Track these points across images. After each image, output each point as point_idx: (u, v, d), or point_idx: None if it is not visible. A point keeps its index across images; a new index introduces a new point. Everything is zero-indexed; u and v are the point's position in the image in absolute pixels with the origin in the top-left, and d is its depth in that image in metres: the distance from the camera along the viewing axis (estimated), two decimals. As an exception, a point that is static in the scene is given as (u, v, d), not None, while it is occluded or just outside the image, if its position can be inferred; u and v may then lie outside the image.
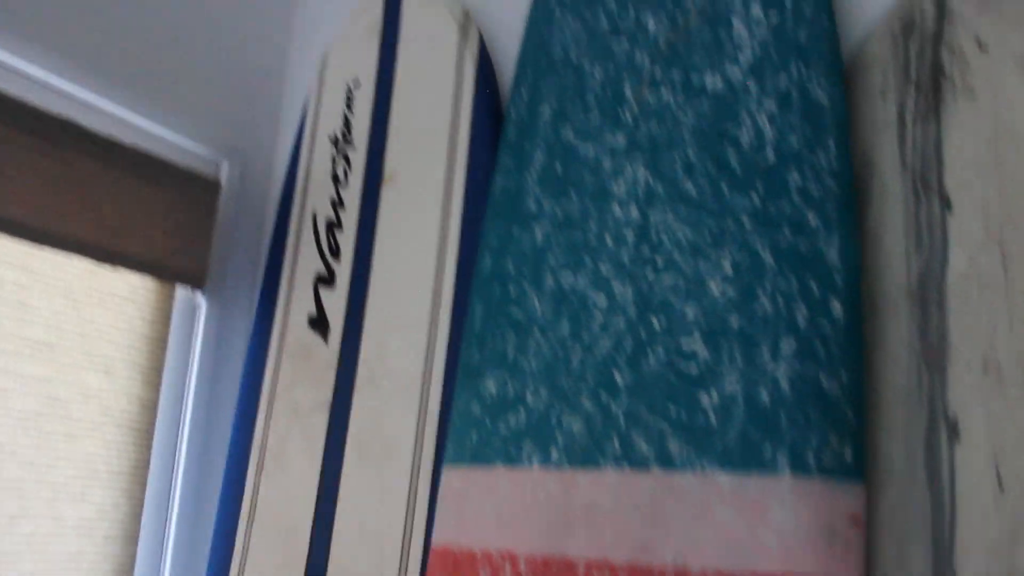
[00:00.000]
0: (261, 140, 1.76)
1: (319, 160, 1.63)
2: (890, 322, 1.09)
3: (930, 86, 1.14)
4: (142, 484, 1.47)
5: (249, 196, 1.71)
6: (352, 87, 1.63)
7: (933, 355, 1.06)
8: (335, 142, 1.62)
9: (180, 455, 1.54)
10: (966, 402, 1.03)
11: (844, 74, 1.17)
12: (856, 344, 1.04)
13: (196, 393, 1.57)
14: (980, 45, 1.13)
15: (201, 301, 1.60)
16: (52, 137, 1.30)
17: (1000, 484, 0.99)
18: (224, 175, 1.66)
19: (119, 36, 1.46)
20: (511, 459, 1.17)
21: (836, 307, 1.04)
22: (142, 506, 1.47)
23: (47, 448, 1.34)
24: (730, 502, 1.01)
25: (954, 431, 1.03)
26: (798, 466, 0.99)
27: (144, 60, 1.50)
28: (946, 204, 1.10)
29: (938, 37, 1.15)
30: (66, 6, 1.37)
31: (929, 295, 1.08)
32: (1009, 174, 1.08)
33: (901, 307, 1.09)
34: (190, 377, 1.57)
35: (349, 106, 1.62)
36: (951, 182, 1.11)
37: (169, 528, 1.51)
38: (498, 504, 1.15)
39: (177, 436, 1.54)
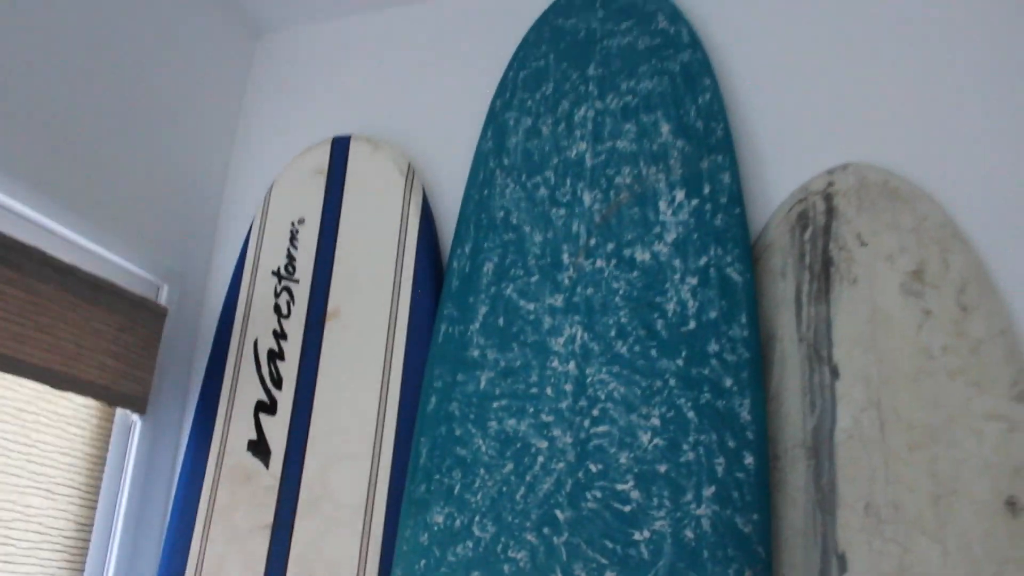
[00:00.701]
0: (197, 265, 1.85)
1: (261, 291, 1.73)
2: (790, 471, 1.29)
3: (821, 271, 1.38)
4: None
5: (185, 319, 1.79)
6: (297, 224, 1.76)
7: (825, 500, 1.26)
8: (278, 275, 1.73)
9: (108, 574, 1.56)
10: (851, 540, 1.23)
11: (751, 255, 1.39)
12: (764, 490, 1.23)
13: (127, 513, 1.60)
14: (860, 240, 1.38)
15: (136, 421, 1.65)
16: (16, 263, 1.35)
17: (882, 613, 1.18)
18: (163, 299, 1.73)
19: (64, 159, 1.52)
20: (461, 587, 1.29)
21: (748, 458, 1.23)
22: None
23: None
24: (663, 630, 1.16)
25: (842, 563, 1.23)
26: (720, 598, 1.16)
27: (90, 185, 1.57)
28: (834, 372, 1.33)
29: (827, 230, 1.40)
30: (17, 133, 1.44)
31: (821, 449, 1.29)
32: (883, 349, 1.31)
33: (799, 459, 1.29)
34: (122, 496, 1.61)
35: (293, 242, 1.74)
36: (838, 354, 1.33)
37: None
38: (449, 630, 1.26)
39: (106, 556, 1.57)
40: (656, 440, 1.27)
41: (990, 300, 1.32)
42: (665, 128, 1.50)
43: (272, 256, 1.75)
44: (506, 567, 1.27)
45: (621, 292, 1.39)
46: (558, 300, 1.43)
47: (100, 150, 1.58)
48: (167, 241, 1.77)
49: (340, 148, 1.79)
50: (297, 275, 1.71)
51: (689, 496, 1.23)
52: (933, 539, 1.21)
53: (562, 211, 1.50)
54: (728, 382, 1.28)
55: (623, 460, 1.28)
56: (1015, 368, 1.27)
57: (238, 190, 1.95)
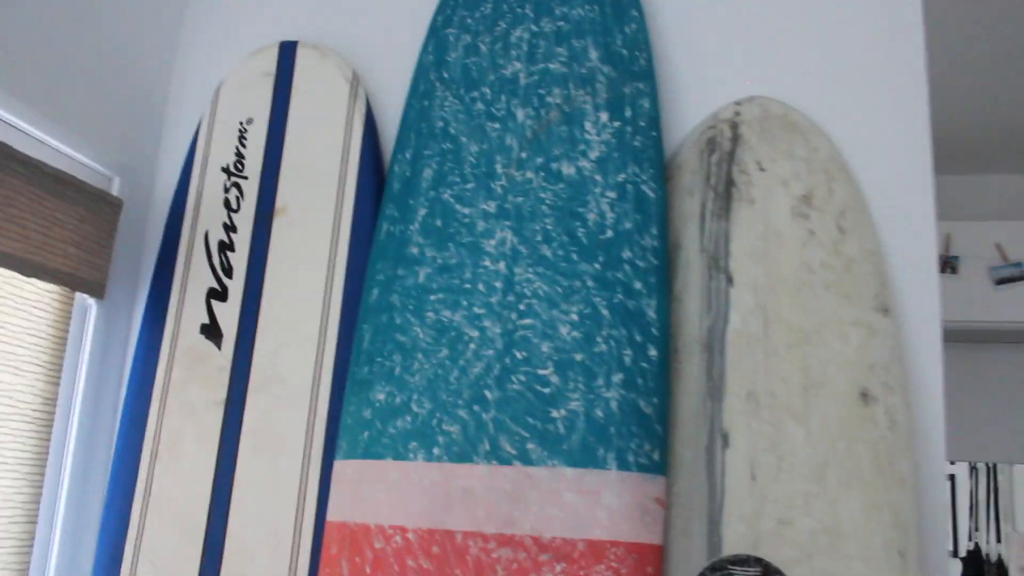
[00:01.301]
0: (147, 159, 1.94)
1: (211, 186, 1.84)
2: (687, 363, 1.51)
3: (724, 191, 1.57)
4: (42, 472, 1.63)
5: (137, 211, 1.89)
6: (245, 124, 1.86)
7: (714, 388, 1.49)
8: (227, 172, 1.84)
9: (70, 445, 1.70)
10: (734, 421, 1.46)
11: (664, 174, 1.58)
12: (664, 379, 1.44)
13: (85, 389, 1.73)
14: (760, 166, 1.57)
15: (92, 304, 1.77)
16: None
17: (753, 476, 1.42)
18: (115, 191, 1.83)
19: (13, 49, 1.57)
20: (399, 455, 1.47)
21: (652, 351, 1.44)
22: (41, 491, 1.63)
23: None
24: (573, 489, 1.38)
25: (726, 440, 1.46)
26: (622, 464, 1.38)
27: (41, 76, 1.63)
28: (729, 280, 1.53)
29: (732, 155, 1.59)
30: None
31: (714, 345, 1.51)
32: (771, 262, 1.52)
33: (695, 352, 1.51)
34: (80, 373, 1.73)
35: (242, 141, 1.85)
36: (733, 264, 1.54)
37: (58, 510, 1.67)
38: (389, 489, 1.45)
39: (67, 428, 1.71)
40: (574, 333, 1.47)
41: (864, 225, 1.54)
42: (594, 54, 1.65)
43: (221, 153, 1.86)
44: (440, 438, 1.46)
45: (547, 202, 1.56)
46: (491, 206, 1.59)
47: (48, 41, 1.64)
48: (117, 134, 1.85)
49: (287, 52, 1.89)
50: (246, 172, 1.82)
51: (600, 381, 1.43)
52: (799, 422, 1.44)
53: (497, 125, 1.65)
54: (638, 285, 1.47)
55: (544, 349, 1.47)
56: (878, 284, 1.50)
57: (185, 87, 2.03)
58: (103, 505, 1.70)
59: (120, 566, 1.63)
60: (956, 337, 3.18)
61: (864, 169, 1.59)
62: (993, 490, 3.62)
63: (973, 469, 3.63)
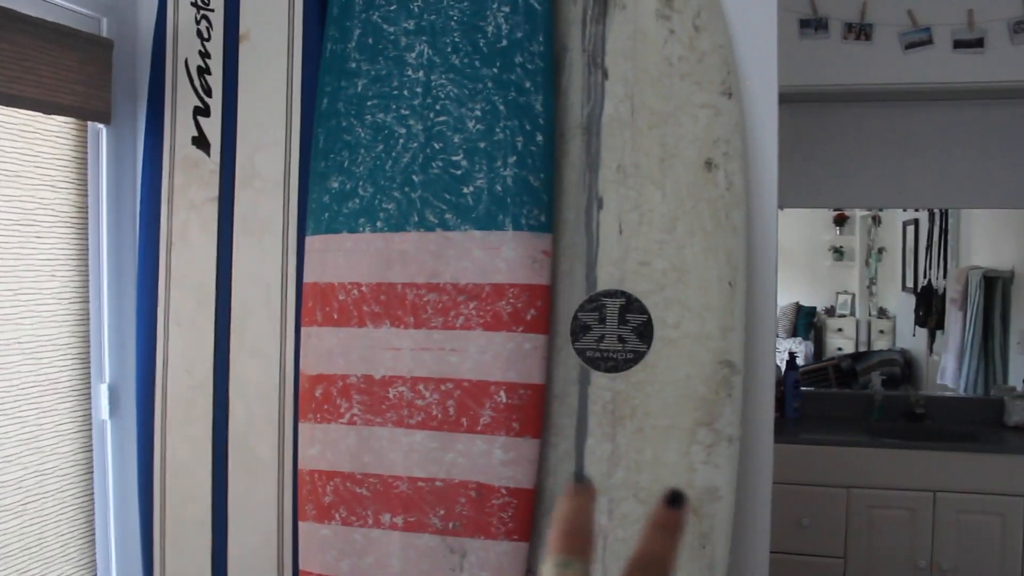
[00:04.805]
0: (126, 1, 2.28)
1: (184, 19, 2.19)
2: (571, 144, 1.91)
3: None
4: (85, 266, 2.11)
5: (125, 46, 2.25)
6: (207, -38, 2.18)
7: (592, 162, 1.89)
8: (196, 5, 2.18)
9: (103, 244, 2.16)
10: (607, 188, 1.88)
11: (549, -11, 1.91)
12: (550, 157, 1.85)
13: (107, 197, 2.17)
14: (625, -23, 1.90)
15: (102, 129, 2.17)
16: (2, 24, 1.81)
17: (620, 231, 1.86)
18: (104, 31, 2.18)
19: None
20: (352, 229, 1.92)
21: (539, 137, 1.84)
22: (88, 280, 2.11)
23: (13, 243, 1.93)
24: (480, 246, 1.83)
25: (600, 204, 1.88)
26: (517, 225, 1.81)
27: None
28: (604, 74, 1.90)
29: (603, -30, 1.91)
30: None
31: (592, 128, 1.90)
32: (639, 58, 1.89)
33: (577, 136, 1.90)
34: (101, 186, 2.17)
35: (206, -23, 2.18)
36: (608, 61, 1.90)
37: (102, 287, 2.16)
38: (346, 255, 1.91)
39: (99, 233, 2.16)
40: (478, 126, 1.87)
41: (716, 23, 1.88)
42: None
43: (190, -11, 2.19)
44: (381, 214, 1.90)
45: (455, 18, 1.91)
46: (411, 24, 1.94)
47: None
48: (101, -23, 2.18)
49: None
50: (212, 5, 2.17)
51: (499, 163, 1.84)
52: (657, 186, 1.85)
53: (413, -46, 1.97)
54: (527, 84, 1.85)
55: (456, 140, 1.88)
56: (724, 72, 1.86)
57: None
58: (136, 286, 2.18)
59: (156, 328, 2.13)
60: (871, 98, 3.53)
61: (718, -28, 1.91)
62: (944, 232, 4.10)
63: (932, 215, 4.09)
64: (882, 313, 4.33)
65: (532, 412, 1.81)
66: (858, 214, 4.23)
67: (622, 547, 1.83)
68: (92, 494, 2.17)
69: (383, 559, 1.88)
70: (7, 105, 1.84)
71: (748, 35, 1.91)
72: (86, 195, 2.13)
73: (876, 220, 4.21)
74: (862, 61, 3.31)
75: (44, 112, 1.93)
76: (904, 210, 4.11)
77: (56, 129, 2.03)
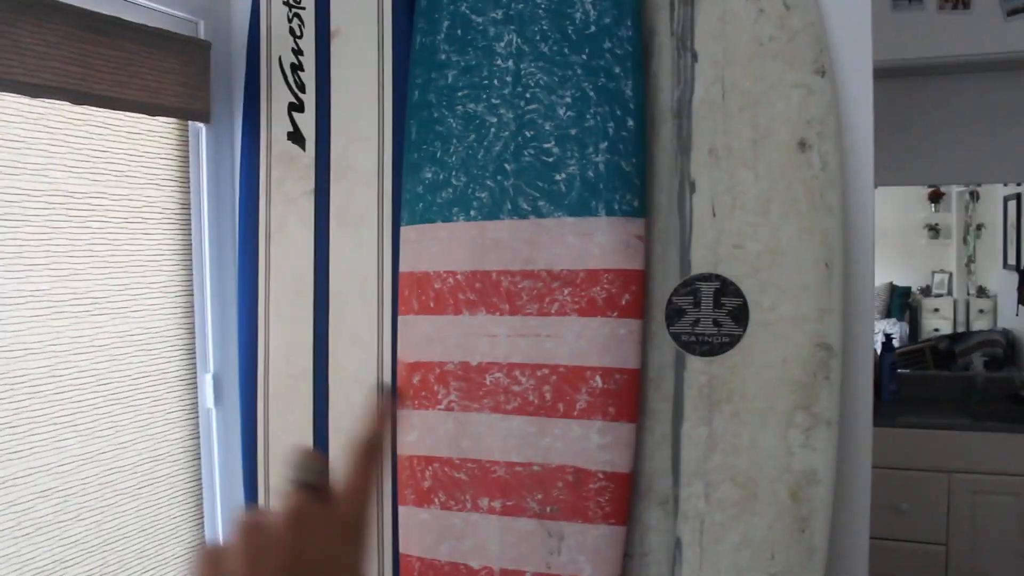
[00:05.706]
0: (222, 2, 2.35)
1: (277, 17, 2.24)
2: (662, 129, 1.90)
3: (686, -17, 1.90)
4: (188, 260, 2.19)
5: (221, 47, 2.32)
6: (298, -39, 2.23)
7: (683, 146, 1.88)
8: (287, 4, 2.23)
9: (204, 238, 2.24)
10: (699, 171, 1.87)
11: (637, -27, 1.90)
12: (641, 142, 1.84)
13: (208, 192, 2.25)
14: (714, -42, 1.88)
15: (202, 128, 2.25)
16: (106, 31, 1.87)
17: (714, 213, 1.84)
18: (202, 33, 2.25)
19: None
20: (446, 218, 1.95)
21: (630, 122, 1.84)
22: (191, 275, 2.20)
23: (123, 240, 2.02)
24: (573, 232, 1.84)
25: (692, 187, 1.87)
26: (609, 211, 1.82)
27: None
28: (694, 56, 1.89)
29: (691, -49, 1.90)
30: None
31: (683, 112, 1.89)
32: (728, 39, 1.87)
33: (668, 120, 1.90)
34: (202, 182, 2.25)
35: (297, -24, 2.23)
36: (698, 44, 1.89)
37: (205, 280, 2.24)
38: (441, 244, 1.94)
39: (201, 224, 2.24)
40: (569, 113, 1.87)
41: (807, 0, 1.85)
42: None
43: (282, -13, 2.25)
44: (474, 203, 1.93)
45: (543, 6, 1.92)
46: (499, 14, 1.96)
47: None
48: (197, -20, 2.26)
49: None
50: (303, 3, 2.22)
51: (591, 149, 1.85)
52: (750, 169, 1.84)
53: (500, -56, 1.99)
54: (617, 69, 1.85)
55: (547, 127, 1.89)
56: (816, 51, 1.83)
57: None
58: (236, 279, 2.25)
59: (256, 319, 2.20)
60: (970, 69, 3.41)
61: (809, -52, 1.88)
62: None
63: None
64: (981, 292, 4.19)
65: (628, 396, 1.81)
66: (954, 190, 4.11)
67: (720, 531, 1.82)
68: (200, 479, 2.26)
69: (482, 543, 1.92)
70: (115, 108, 1.91)
71: (840, 11, 1.87)
72: (188, 192, 2.21)
73: (974, 196, 4.08)
74: (960, 31, 3.20)
75: (148, 114, 2.00)
76: (1005, 184, 3.97)
77: (159, 129, 2.11)
